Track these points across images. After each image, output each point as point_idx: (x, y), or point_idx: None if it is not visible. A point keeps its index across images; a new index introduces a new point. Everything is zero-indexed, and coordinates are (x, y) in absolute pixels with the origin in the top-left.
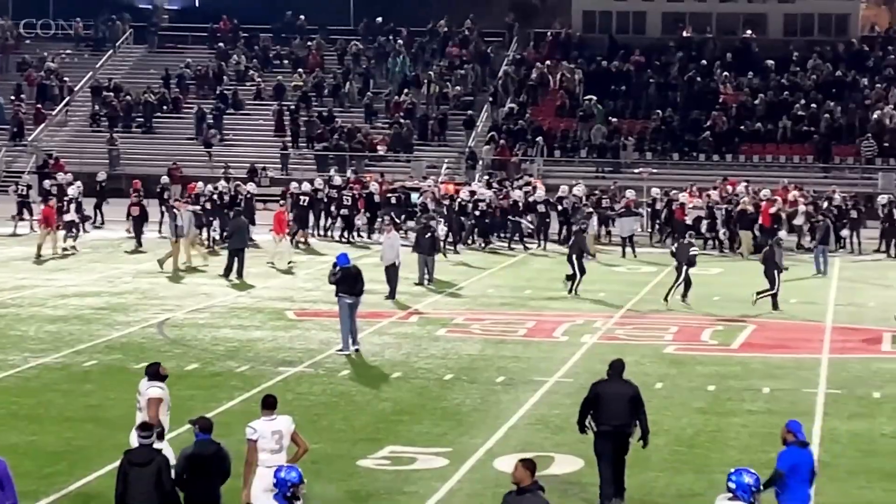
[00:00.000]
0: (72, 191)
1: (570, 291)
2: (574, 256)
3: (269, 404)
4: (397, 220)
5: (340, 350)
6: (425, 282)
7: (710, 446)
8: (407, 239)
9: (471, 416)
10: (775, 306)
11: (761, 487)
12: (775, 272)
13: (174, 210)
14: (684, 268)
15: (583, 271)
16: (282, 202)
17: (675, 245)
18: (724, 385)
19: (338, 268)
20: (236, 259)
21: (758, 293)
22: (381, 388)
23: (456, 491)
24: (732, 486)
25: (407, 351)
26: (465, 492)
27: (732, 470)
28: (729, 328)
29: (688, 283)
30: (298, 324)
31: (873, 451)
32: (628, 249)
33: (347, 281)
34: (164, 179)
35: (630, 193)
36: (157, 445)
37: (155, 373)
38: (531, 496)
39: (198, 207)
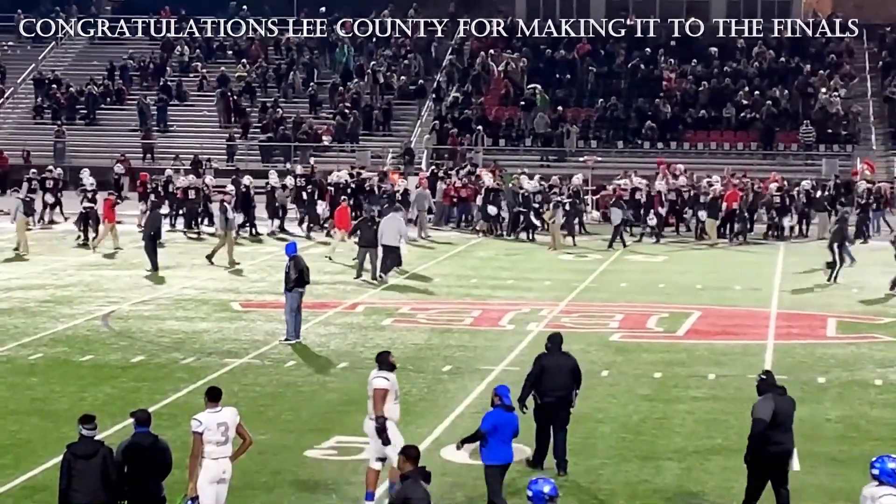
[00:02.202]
0: (88, 183)
1: (829, 279)
2: (836, 245)
3: (213, 396)
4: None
5: (286, 339)
6: (365, 275)
7: (656, 433)
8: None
9: (417, 405)
10: None
11: None
12: None
13: (224, 203)
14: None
15: (842, 260)
16: (344, 197)
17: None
18: (669, 372)
19: (291, 262)
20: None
21: None
22: (328, 379)
23: None
24: (876, 472)
25: (353, 341)
26: None
27: (875, 458)
28: (674, 315)
29: (840, 263)
30: (244, 315)
31: (818, 437)
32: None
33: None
34: (169, 172)
35: (636, 181)
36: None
37: (384, 362)
38: (410, 482)
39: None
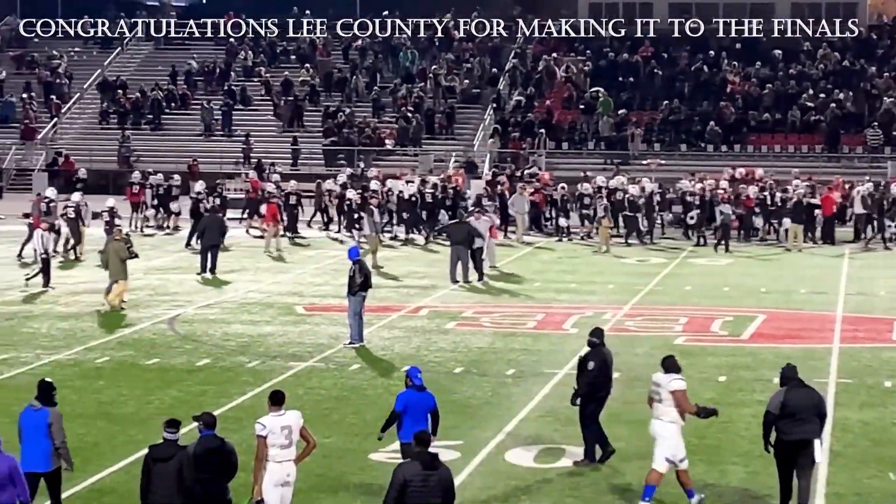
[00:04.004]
0: (199, 187)
1: None
2: None
3: (277, 400)
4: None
5: (350, 343)
6: (459, 278)
7: (721, 437)
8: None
9: (481, 409)
10: None
11: None
12: None
13: (370, 207)
14: None
15: None
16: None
17: None
18: (734, 375)
19: (356, 266)
20: (209, 255)
21: None
22: (392, 382)
23: (467, 484)
24: None
25: (417, 344)
26: (477, 485)
27: None
28: (739, 318)
29: None
30: (308, 318)
31: (884, 441)
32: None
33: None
34: (277, 178)
35: (725, 184)
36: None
37: (673, 365)
38: (406, 462)
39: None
